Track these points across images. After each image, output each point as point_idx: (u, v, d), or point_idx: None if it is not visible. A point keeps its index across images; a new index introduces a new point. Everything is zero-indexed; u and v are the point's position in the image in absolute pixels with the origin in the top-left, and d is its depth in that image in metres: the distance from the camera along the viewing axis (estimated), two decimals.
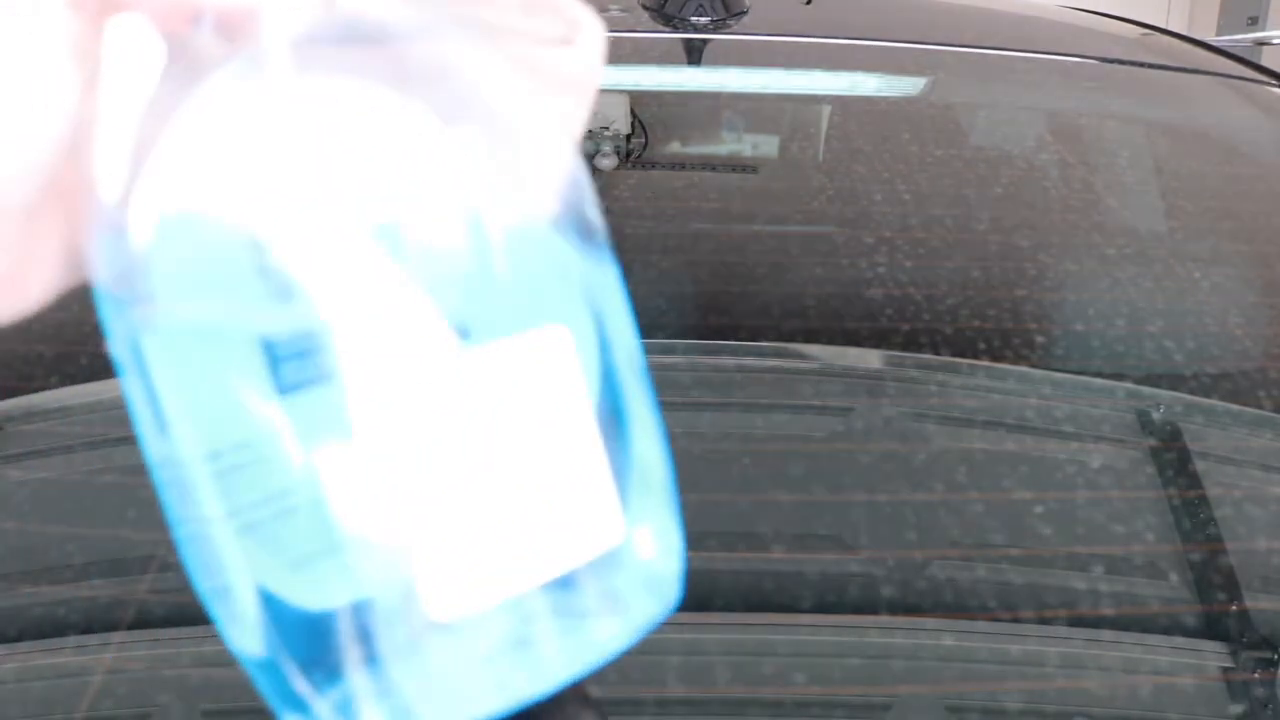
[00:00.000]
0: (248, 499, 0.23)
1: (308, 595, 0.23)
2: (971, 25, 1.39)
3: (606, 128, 1.00)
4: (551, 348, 0.25)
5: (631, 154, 1.01)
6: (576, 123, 0.30)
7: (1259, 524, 0.64)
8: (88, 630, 0.56)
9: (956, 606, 0.58)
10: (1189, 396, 0.75)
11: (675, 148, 1.08)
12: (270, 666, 0.24)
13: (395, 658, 0.23)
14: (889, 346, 0.77)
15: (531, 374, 0.24)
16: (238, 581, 0.23)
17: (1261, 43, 3.02)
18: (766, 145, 1.14)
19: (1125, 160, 1.15)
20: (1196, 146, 1.18)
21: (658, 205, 0.94)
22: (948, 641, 0.57)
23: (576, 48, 0.29)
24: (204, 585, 0.24)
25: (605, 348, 0.27)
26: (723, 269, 0.86)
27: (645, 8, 1.26)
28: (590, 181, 0.28)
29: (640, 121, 1.04)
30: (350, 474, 0.23)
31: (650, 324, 0.75)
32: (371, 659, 0.23)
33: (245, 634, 0.24)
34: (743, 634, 0.55)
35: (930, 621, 0.57)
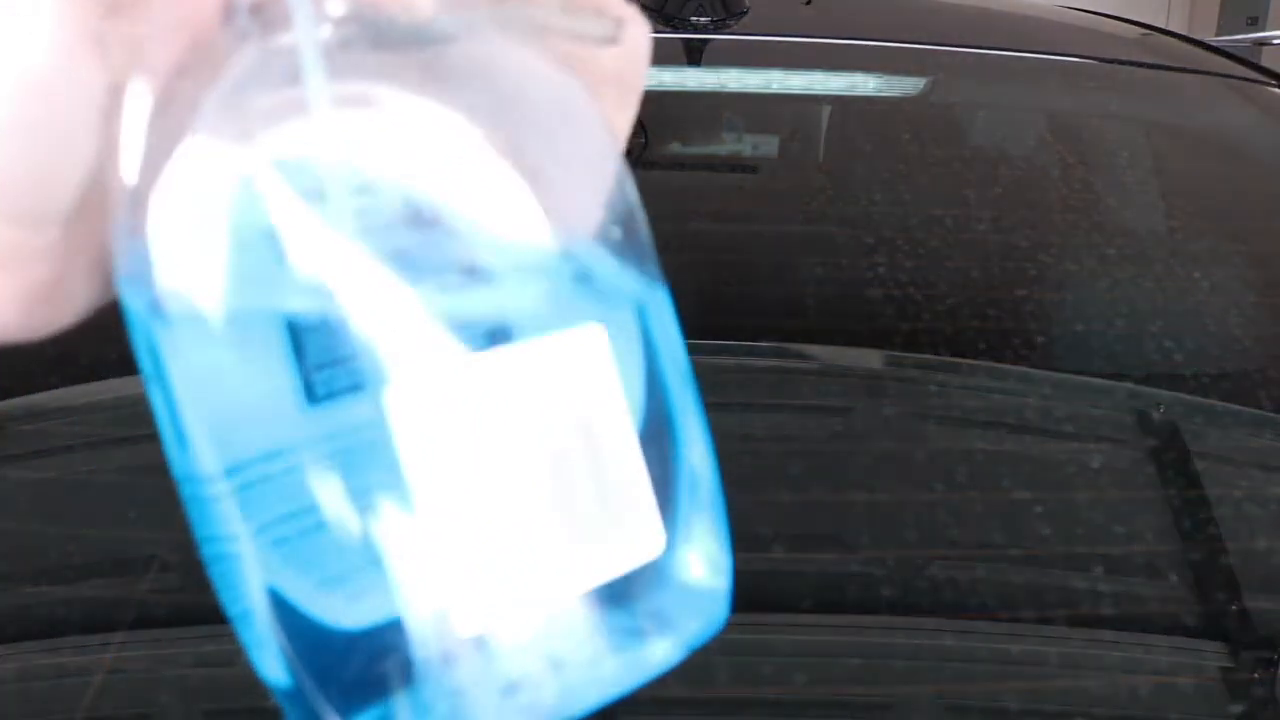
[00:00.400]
0: (275, 514, 0.22)
1: (337, 614, 0.23)
2: (971, 25, 1.39)
3: None
4: (586, 348, 0.24)
5: (631, 154, 1.01)
6: (622, 124, 0.29)
7: (1259, 524, 0.64)
8: (88, 630, 0.56)
9: (956, 606, 0.58)
10: (1189, 396, 0.75)
11: (675, 148, 1.08)
12: (298, 693, 0.23)
13: (427, 678, 0.22)
14: (889, 346, 0.77)
15: (565, 376, 0.23)
16: (264, 602, 0.23)
17: (1262, 43, 3.02)
18: (766, 145, 1.14)
19: (1125, 160, 1.15)
20: (1196, 147, 1.18)
21: (657, 205, 0.94)
22: (948, 641, 0.57)
23: (620, 46, 0.29)
24: (230, 608, 0.23)
25: (649, 354, 0.26)
26: (723, 269, 0.86)
27: (645, 8, 1.26)
28: (635, 184, 0.27)
29: (640, 121, 1.04)
30: (382, 486, 0.22)
31: None
32: (402, 680, 0.22)
33: (272, 658, 0.23)
34: (742, 634, 0.55)
35: (930, 621, 0.58)
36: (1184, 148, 1.19)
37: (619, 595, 0.24)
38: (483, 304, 0.23)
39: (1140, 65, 1.32)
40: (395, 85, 0.24)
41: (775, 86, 1.15)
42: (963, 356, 0.77)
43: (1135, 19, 1.59)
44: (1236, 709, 0.54)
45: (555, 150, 0.26)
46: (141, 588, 0.57)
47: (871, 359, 0.78)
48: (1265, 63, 1.40)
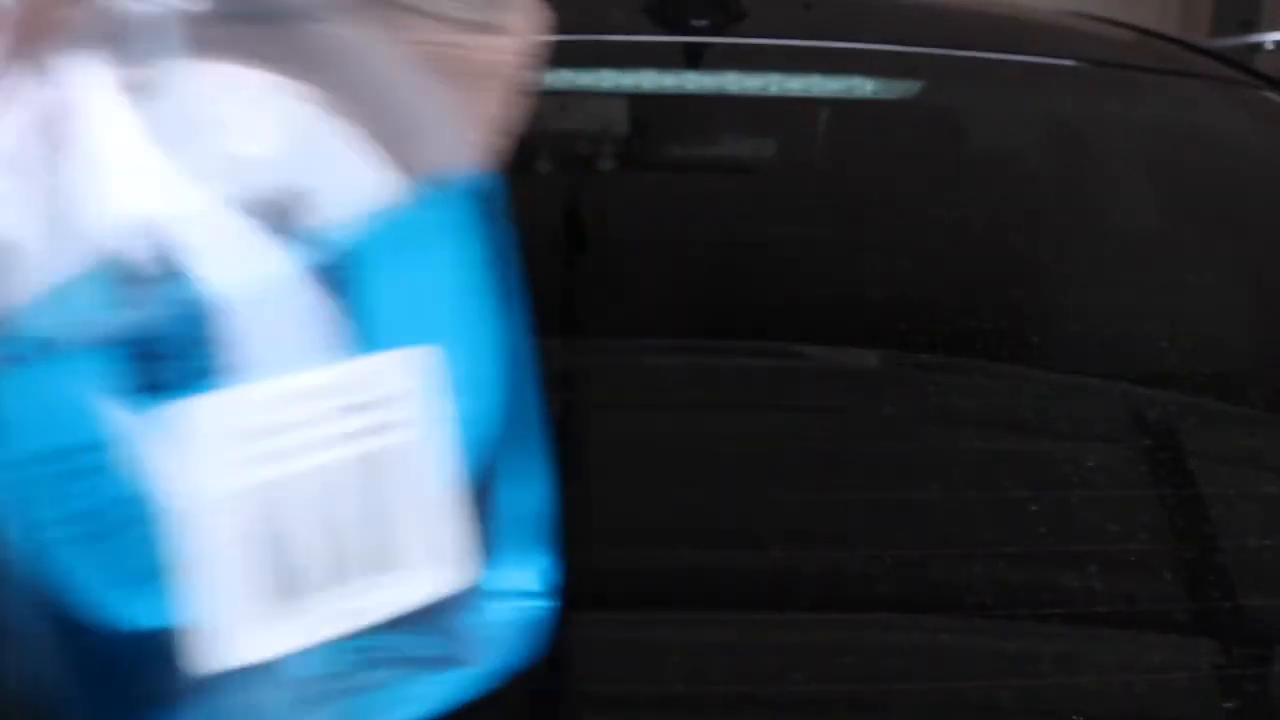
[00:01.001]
0: (83, 506, 0.22)
1: (123, 617, 0.22)
2: (968, 29, 1.39)
3: (606, 130, 1.01)
4: (417, 369, 0.23)
5: (631, 156, 1.02)
6: (495, 113, 0.28)
7: (1252, 522, 0.65)
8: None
9: (955, 604, 0.59)
10: (1185, 396, 0.75)
11: (674, 150, 1.09)
12: (75, 695, 0.22)
13: (209, 693, 0.22)
14: (889, 346, 0.78)
15: (388, 399, 0.23)
16: (55, 596, 0.22)
17: (1254, 47, 3.03)
18: (764, 147, 1.14)
19: (1120, 163, 1.15)
20: (1190, 149, 1.19)
21: (657, 207, 0.95)
22: (945, 638, 0.57)
23: (499, 35, 0.27)
24: (26, 595, 0.23)
25: (489, 371, 0.25)
26: (722, 269, 0.86)
27: (645, 11, 1.26)
28: (498, 179, 0.26)
29: (639, 124, 1.05)
30: (190, 492, 0.21)
31: (650, 325, 0.75)
32: (181, 693, 0.22)
33: (48, 655, 0.22)
34: (742, 632, 0.55)
35: (927, 619, 0.58)
36: (1178, 151, 1.20)
37: (425, 620, 0.23)
38: (316, 308, 0.22)
39: (1133, 68, 1.32)
40: (250, 59, 0.23)
41: (774, 89, 1.15)
42: (961, 356, 0.77)
43: (1128, 22, 1.59)
44: (1230, 705, 0.55)
45: (405, 137, 0.25)
46: None
47: (871, 359, 0.78)
48: (1258, 67, 1.40)
